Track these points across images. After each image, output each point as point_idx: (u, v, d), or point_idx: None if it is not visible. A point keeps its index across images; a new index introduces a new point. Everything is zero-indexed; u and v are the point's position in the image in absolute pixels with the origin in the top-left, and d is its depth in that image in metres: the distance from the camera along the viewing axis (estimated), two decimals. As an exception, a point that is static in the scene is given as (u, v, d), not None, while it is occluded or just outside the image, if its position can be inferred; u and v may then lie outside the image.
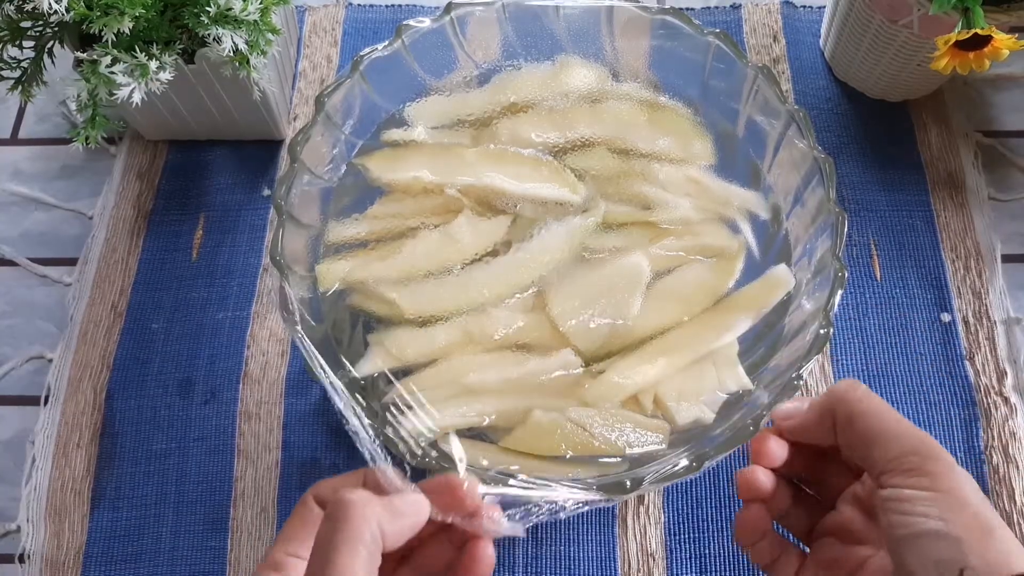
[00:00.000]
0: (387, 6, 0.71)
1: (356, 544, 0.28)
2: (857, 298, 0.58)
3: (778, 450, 0.37)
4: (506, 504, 0.34)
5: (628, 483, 0.40)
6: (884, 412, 0.34)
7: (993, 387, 0.54)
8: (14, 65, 0.53)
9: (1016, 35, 0.50)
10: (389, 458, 0.35)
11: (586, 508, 0.38)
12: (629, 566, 0.50)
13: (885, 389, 0.55)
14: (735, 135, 0.55)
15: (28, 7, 0.50)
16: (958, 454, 0.53)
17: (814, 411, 0.36)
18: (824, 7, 0.68)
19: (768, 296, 0.49)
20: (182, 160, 0.64)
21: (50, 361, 0.57)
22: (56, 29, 0.53)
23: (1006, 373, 0.55)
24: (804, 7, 0.70)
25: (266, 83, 0.55)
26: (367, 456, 0.35)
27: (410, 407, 0.44)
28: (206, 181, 0.63)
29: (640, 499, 0.51)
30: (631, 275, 0.50)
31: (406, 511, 0.31)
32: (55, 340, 0.58)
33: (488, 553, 0.33)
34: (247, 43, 0.51)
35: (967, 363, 0.55)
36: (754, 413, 0.43)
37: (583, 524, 0.51)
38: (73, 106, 0.51)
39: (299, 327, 0.43)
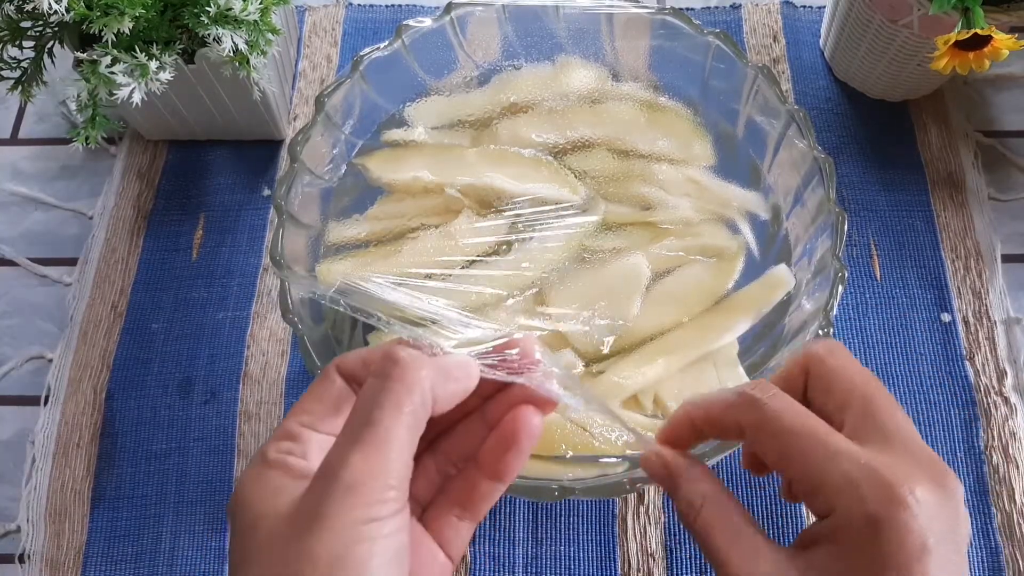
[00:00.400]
0: (387, 6, 0.71)
1: (404, 406, 0.26)
2: (857, 298, 0.58)
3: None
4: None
5: (627, 483, 0.40)
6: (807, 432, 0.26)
7: (993, 387, 0.54)
8: (14, 65, 0.53)
9: (1016, 35, 0.50)
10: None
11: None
12: (629, 566, 0.50)
13: (885, 389, 0.55)
14: (735, 135, 0.55)
15: (28, 7, 0.50)
16: (958, 454, 0.53)
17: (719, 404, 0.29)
18: (824, 7, 0.68)
19: (768, 296, 0.49)
20: (182, 160, 0.64)
21: (50, 361, 0.57)
22: (56, 29, 0.53)
23: (1006, 373, 0.55)
24: (804, 7, 0.70)
25: (266, 83, 0.55)
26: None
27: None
28: (206, 181, 0.63)
29: (640, 499, 0.51)
30: (631, 276, 0.50)
31: (457, 374, 0.28)
32: (55, 340, 0.58)
33: (535, 422, 0.29)
34: (247, 43, 0.51)
35: (967, 363, 0.55)
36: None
37: (583, 524, 0.51)
38: (73, 106, 0.51)
39: (300, 327, 0.43)
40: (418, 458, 0.28)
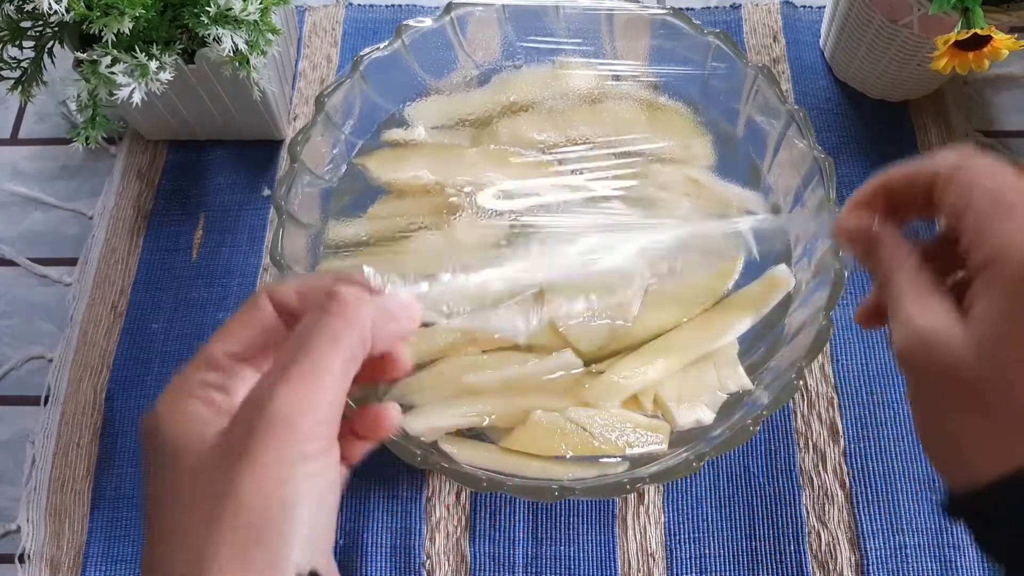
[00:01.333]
0: (387, 6, 0.71)
1: (341, 339, 0.25)
2: (857, 298, 0.58)
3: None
4: None
5: (627, 483, 0.40)
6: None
7: (993, 387, 0.54)
8: (14, 65, 0.53)
9: (1016, 35, 0.50)
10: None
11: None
12: (629, 566, 0.50)
13: (885, 389, 0.55)
14: (735, 135, 0.55)
15: (28, 7, 0.50)
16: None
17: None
18: (824, 7, 0.68)
19: (768, 296, 0.49)
20: (182, 160, 0.64)
21: (50, 361, 0.57)
22: (56, 29, 0.52)
23: (1006, 373, 0.55)
24: (804, 7, 0.70)
25: (266, 83, 0.55)
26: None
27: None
28: (206, 181, 0.63)
29: (640, 499, 0.51)
30: (631, 275, 0.50)
31: (399, 314, 0.28)
32: (55, 340, 0.58)
33: (404, 357, 0.29)
34: (247, 43, 0.51)
35: (967, 363, 0.55)
36: (754, 413, 0.43)
37: (583, 524, 0.51)
38: (73, 106, 0.51)
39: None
40: None
